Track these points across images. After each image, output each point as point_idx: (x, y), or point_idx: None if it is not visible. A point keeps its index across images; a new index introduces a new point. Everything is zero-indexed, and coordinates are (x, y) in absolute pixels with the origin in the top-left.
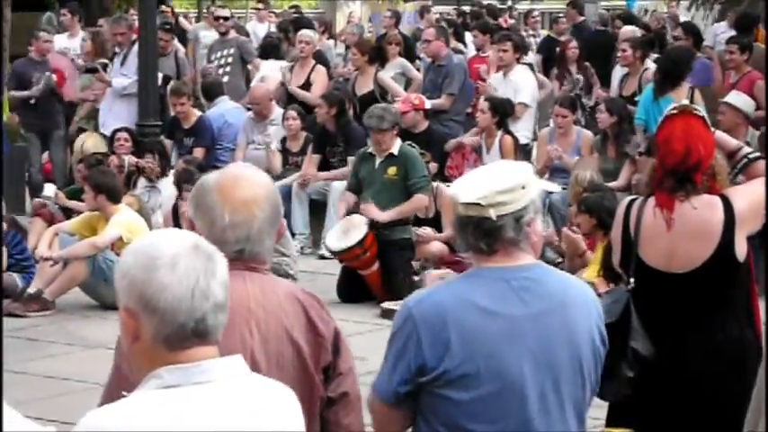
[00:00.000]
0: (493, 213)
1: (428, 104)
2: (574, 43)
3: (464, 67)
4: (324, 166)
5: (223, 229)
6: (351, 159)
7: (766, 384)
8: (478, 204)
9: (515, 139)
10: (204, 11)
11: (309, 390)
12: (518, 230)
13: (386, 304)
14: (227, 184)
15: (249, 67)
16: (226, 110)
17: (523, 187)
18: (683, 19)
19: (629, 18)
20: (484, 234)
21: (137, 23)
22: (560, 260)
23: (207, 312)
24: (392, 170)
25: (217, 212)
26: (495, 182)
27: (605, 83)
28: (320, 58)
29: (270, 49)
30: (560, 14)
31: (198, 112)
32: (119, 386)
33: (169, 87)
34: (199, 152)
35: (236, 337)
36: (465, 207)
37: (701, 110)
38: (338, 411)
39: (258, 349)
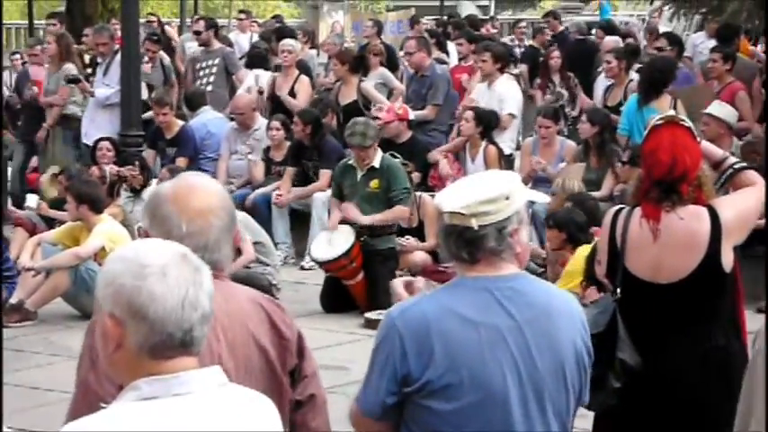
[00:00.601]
0: (474, 223)
1: (412, 115)
2: (557, 53)
3: (447, 78)
4: (302, 178)
5: (180, 239)
6: (323, 172)
7: (766, 385)
8: (461, 213)
9: (500, 150)
10: (187, 20)
11: (279, 393)
12: (500, 240)
13: (369, 314)
14: (182, 194)
15: (233, 77)
16: (208, 120)
17: (507, 198)
18: (662, 29)
19: (609, 28)
20: (466, 243)
21: (119, 33)
22: (543, 270)
23: (195, 323)
24: (374, 183)
25: (173, 222)
26: (478, 191)
27: (587, 92)
28: (303, 67)
29: (257, 60)
30: (544, 25)
31: (180, 122)
32: (85, 400)
33: (152, 96)
34: (182, 162)
35: (203, 345)
36: (449, 216)
37: (687, 120)
38: (306, 413)
39: (226, 356)
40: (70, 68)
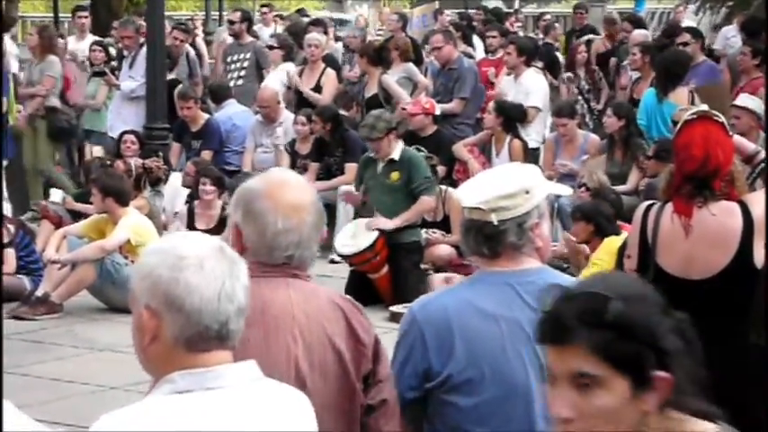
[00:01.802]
0: (494, 218)
1: (438, 110)
2: (583, 47)
3: (475, 71)
4: (325, 172)
5: (275, 235)
6: (348, 166)
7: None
8: (480, 209)
9: (525, 144)
10: (213, 14)
11: (351, 397)
12: (521, 235)
13: (394, 307)
14: (276, 190)
15: (264, 72)
16: (233, 113)
17: (527, 192)
18: (687, 23)
19: (637, 21)
20: (486, 238)
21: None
22: (567, 266)
23: (231, 316)
24: (395, 175)
25: (269, 218)
26: (498, 186)
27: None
28: (330, 61)
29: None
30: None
31: (205, 116)
32: None
33: (176, 91)
34: (207, 155)
35: (280, 344)
36: (468, 211)
37: (720, 116)
38: (378, 418)
39: (302, 357)
40: (53, 61)
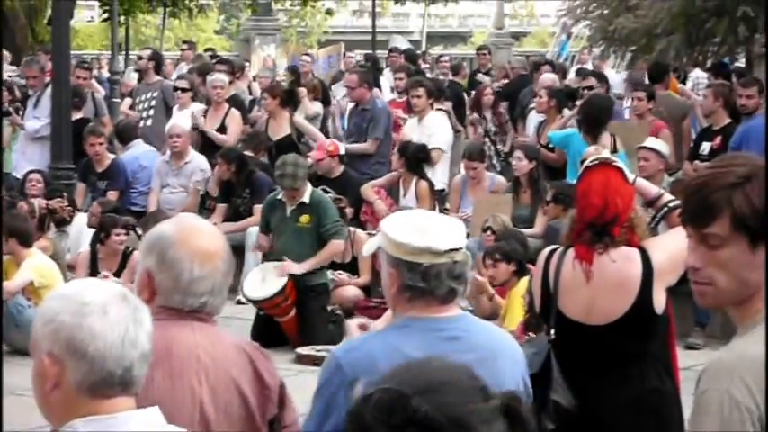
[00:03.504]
0: (461, 257)
1: (342, 150)
2: (489, 89)
3: (388, 111)
4: (233, 214)
5: (190, 282)
6: (256, 208)
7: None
8: (455, 250)
9: (431, 185)
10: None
11: None
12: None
13: (301, 350)
14: (190, 237)
15: (173, 111)
16: (140, 153)
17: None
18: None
19: (548, 64)
20: (454, 278)
21: (50, 65)
22: (471, 308)
23: (134, 361)
24: (304, 218)
25: (185, 266)
26: (452, 229)
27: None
28: (236, 101)
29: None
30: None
31: (111, 156)
32: None
33: (86, 128)
34: (112, 195)
35: (186, 386)
36: (437, 255)
37: (619, 162)
38: None
39: (207, 399)
40: None
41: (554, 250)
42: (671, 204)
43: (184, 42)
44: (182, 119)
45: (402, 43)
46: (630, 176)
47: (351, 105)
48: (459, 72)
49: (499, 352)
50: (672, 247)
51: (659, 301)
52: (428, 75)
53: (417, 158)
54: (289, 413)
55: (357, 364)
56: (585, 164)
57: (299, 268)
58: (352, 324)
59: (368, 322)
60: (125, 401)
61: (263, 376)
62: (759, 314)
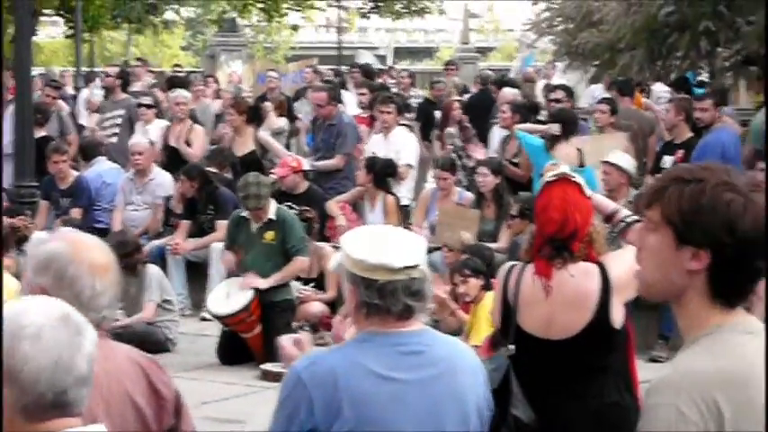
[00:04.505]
0: (419, 274)
1: (306, 165)
2: (457, 104)
3: (355, 126)
4: (197, 230)
5: (91, 298)
6: (220, 224)
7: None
8: (413, 267)
9: (397, 199)
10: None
11: None
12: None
13: (266, 366)
14: (85, 253)
15: (137, 128)
16: (104, 170)
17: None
18: (556, 81)
19: (505, 82)
20: (412, 294)
21: (12, 83)
22: (437, 323)
23: (69, 386)
24: (269, 235)
25: (85, 282)
26: (412, 245)
27: (484, 141)
28: (194, 117)
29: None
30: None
31: (75, 173)
32: None
33: (50, 145)
34: (76, 213)
35: (84, 405)
36: (394, 272)
37: (577, 177)
38: None
39: (101, 413)
40: None
41: (514, 265)
42: (628, 219)
43: (137, 59)
44: (144, 136)
45: (368, 58)
46: (588, 191)
47: (310, 120)
48: (433, 87)
49: (460, 367)
50: (629, 263)
51: (617, 315)
52: (394, 90)
53: (385, 173)
54: (185, 422)
55: (318, 378)
56: (544, 179)
57: (263, 283)
58: (286, 339)
59: (301, 338)
60: (66, 422)
61: (158, 387)
62: (706, 329)
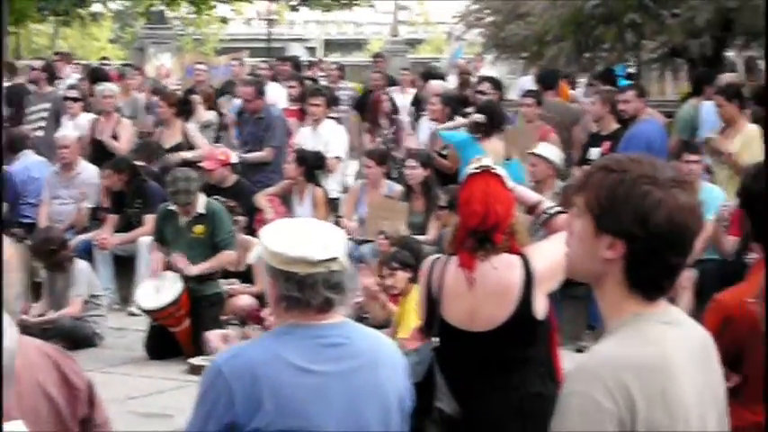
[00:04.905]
0: (338, 266)
1: (234, 158)
2: (385, 96)
3: (284, 119)
4: (125, 225)
5: (11, 291)
6: (148, 218)
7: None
8: (332, 260)
9: (326, 192)
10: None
11: None
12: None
13: (194, 360)
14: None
15: (63, 121)
16: (30, 163)
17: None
18: (485, 73)
19: (432, 74)
20: (332, 287)
21: None
22: (366, 315)
23: None
24: (198, 228)
25: (10, 277)
26: (336, 237)
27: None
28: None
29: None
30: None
31: None
32: None
33: None
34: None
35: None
36: (313, 264)
37: (498, 169)
38: None
39: (13, 406)
40: None
41: (438, 258)
42: (550, 211)
43: (56, 53)
44: (71, 129)
45: (298, 51)
46: (510, 183)
47: (235, 113)
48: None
49: (381, 359)
50: (552, 254)
51: (540, 306)
52: (323, 82)
53: (314, 166)
54: (99, 412)
55: (238, 371)
56: (466, 171)
57: (190, 269)
58: (213, 334)
59: (229, 333)
60: None
61: (70, 377)
62: (624, 317)
